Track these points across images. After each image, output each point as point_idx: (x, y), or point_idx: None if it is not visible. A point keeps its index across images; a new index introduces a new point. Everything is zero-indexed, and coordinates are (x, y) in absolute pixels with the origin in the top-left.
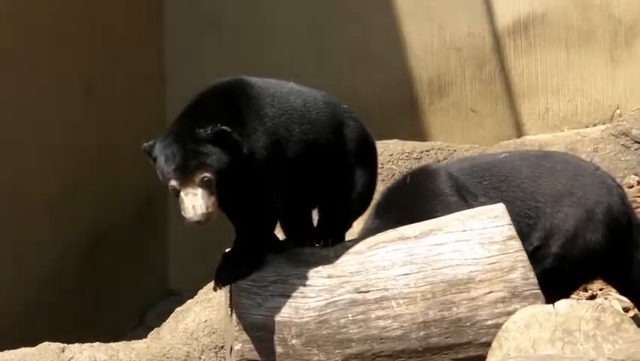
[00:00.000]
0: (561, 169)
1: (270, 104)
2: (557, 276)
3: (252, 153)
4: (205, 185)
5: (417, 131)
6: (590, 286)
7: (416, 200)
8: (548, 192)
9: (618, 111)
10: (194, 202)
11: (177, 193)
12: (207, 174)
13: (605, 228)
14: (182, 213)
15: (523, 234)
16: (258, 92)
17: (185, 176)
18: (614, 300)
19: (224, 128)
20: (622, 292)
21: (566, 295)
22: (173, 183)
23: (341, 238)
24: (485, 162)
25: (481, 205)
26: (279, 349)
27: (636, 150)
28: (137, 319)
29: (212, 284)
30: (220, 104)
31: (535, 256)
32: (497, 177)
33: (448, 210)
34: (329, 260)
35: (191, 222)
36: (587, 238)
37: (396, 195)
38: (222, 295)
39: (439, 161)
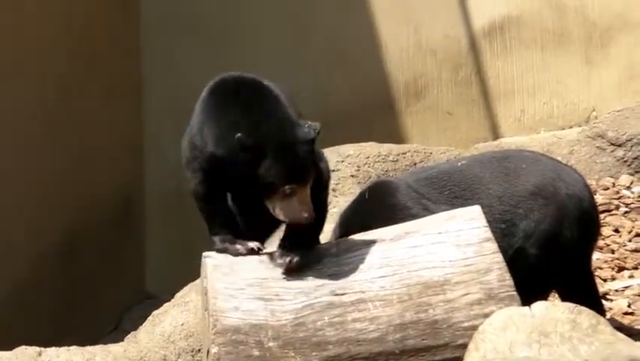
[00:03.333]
0: (526, 168)
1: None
2: (538, 276)
3: None
4: (309, 184)
5: (393, 134)
6: None
7: (378, 215)
8: (518, 193)
9: (594, 113)
10: (307, 201)
11: (291, 196)
12: (313, 175)
13: (579, 223)
14: (290, 213)
15: (499, 239)
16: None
17: (304, 179)
18: None
19: (318, 127)
20: (571, 293)
21: (546, 296)
22: (292, 185)
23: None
24: (444, 171)
25: None
26: (255, 352)
27: (612, 152)
28: (113, 322)
29: (188, 287)
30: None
31: (516, 258)
32: (459, 185)
33: None
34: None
35: (305, 220)
36: (564, 235)
37: (357, 211)
38: (199, 298)
39: (415, 164)
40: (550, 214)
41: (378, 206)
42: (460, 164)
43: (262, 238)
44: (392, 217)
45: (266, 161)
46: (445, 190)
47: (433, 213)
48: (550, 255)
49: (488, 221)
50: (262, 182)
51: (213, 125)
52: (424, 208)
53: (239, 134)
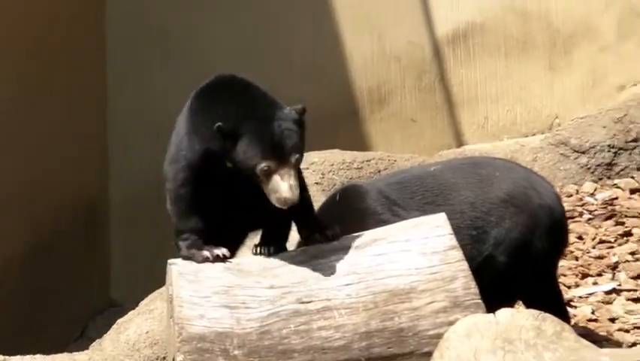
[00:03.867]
0: (499, 175)
1: None
2: (506, 284)
3: None
4: (296, 165)
5: (357, 141)
6: None
7: (348, 219)
8: (490, 200)
9: (557, 120)
10: (290, 182)
11: (270, 174)
12: (299, 156)
13: (549, 233)
14: (275, 194)
15: (469, 246)
16: None
17: (282, 157)
18: None
19: (305, 107)
20: (536, 300)
21: (512, 304)
22: (269, 163)
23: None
24: (416, 176)
25: None
26: (221, 360)
27: (575, 159)
28: (78, 330)
29: (153, 295)
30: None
31: (485, 265)
32: (432, 191)
33: None
34: (271, 270)
35: (288, 202)
36: (534, 245)
37: (327, 215)
38: (164, 306)
39: (379, 171)
40: (522, 223)
41: (348, 211)
42: (432, 169)
43: (233, 248)
44: (362, 222)
45: (242, 143)
46: (418, 195)
47: (404, 219)
48: (520, 263)
49: (459, 227)
50: (243, 168)
51: (200, 124)
52: (394, 214)
53: (218, 123)
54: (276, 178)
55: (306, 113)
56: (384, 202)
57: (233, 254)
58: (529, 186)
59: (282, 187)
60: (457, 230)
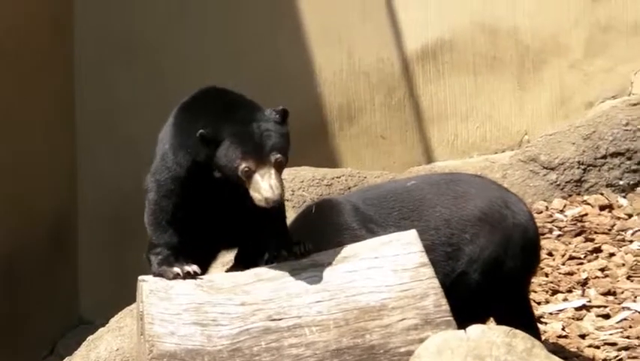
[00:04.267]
0: (475, 193)
1: None
2: (479, 302)
3: None
4: (278, 166)
5: (327, 158)
6: None
7: (323, 234)
8: (465, 217)
9: (526, 137)
10: (271, 182)
11: (250, 175)
12: (280, 155)
13: (523, 252)
14: (256, 193)
15: (444, 262)
16: None
17: (262, 157)
18: None
19: (286, 108)
20: (507, 316)
21: (484, 321)
22: (249, 164)
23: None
24: (392, 191)
25: None
26: None
27: (544, 175)
28: (48, 347)
29: (123, 312)
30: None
31: (458, 282)
32: (407, 206)
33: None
34: (242, 287)
35: (269, 202)
36: (507, 263)
37: (303, 227)
38: (134, 323)
39: (349, 188)
40: (496, 241)
41: (324, 225)
42: (408, 184)
43: (206, 264)
44: (337, 238)
45: (223, 147)
46: (394, 211)
47: (378, 235)
48: (492, 281)
49: (434, 243)
50: (227, 172)
51: (184, 136)
52: (369, 231)
53: (200, 131)
54: (257, 178)
55: (287, 115)
56: (360, 218)
57: (205, 271)
58: (503, 205)
59: (262, 186)
60: (432, 246)
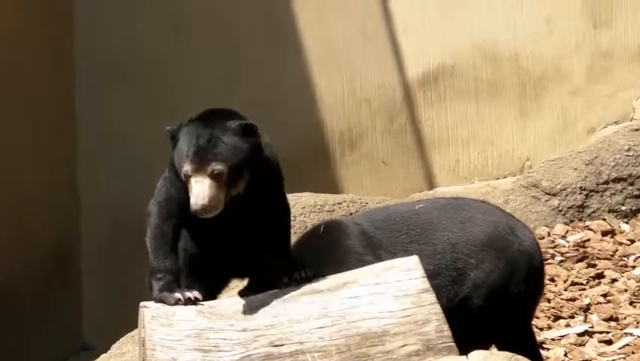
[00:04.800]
0: (482, 218)
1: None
2: (481, 327)
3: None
4: (215, 177)
5: (329, 184)
6: None
7: (330, 257)
8: (472, 242)
9: (528, 163)
10: (200, 191)
11: (188, 179)
12: (220, 167)
13: (527, 279)
14: (191, 199)
15: (448, 286)
16: None
17: (201, 163)
18: None
19: (254, 123)
20: (509, 342)
21: (487, 346)
22: (187, 167)
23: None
24: (401, 213)
25: None
26: None
27: (546, 201)
28: None
29: (125, 338)
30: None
31: (462, 307)
32: (415, 230)
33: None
34: (244, 313)
35: (194, 210)
36: (512, 290)
37: (309, 248)
38: (136, 349)
39: (350, 214)
40: (501, 268)
41: (330, 249)
42: (417, 207)
43: (214, 292)
44: (343, 262)
45: (177, 145)
46: (402, 234)
47: (384, 260)
48: (496, 307)
49: (440, 267)
50: (179, 172)
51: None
52: (376, 256)
53: (167, 127)
54: (192, 183)
55: (256, 132)
56: (367, 242)
57: (214, 297)
58: (510, 231)
59: (193, 193)
60: (437, 270)
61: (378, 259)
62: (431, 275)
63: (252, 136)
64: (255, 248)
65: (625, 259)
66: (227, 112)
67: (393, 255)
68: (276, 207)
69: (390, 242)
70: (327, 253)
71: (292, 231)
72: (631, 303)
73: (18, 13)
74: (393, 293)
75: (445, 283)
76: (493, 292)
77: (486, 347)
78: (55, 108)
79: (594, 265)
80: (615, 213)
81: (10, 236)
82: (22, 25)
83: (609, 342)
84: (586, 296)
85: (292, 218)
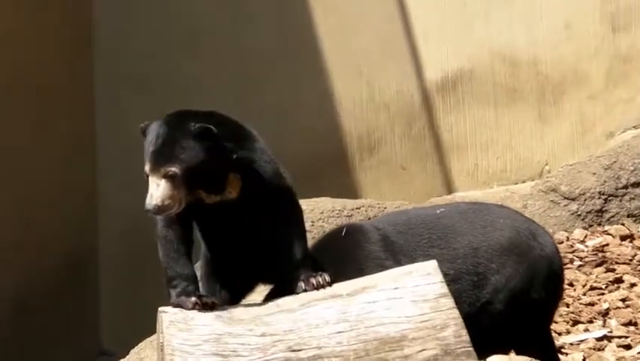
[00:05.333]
0: (503, 223)
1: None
2: (501, 332)
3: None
4: (169, 178)
5: (347, 189)
6: None
7: (350, 261)
8: (493, 247)
9: (547, 167)
10: (154, 191)
11: (146, 178)
12: (174, 169)
13: (548, 284)
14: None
15: (469, 291)
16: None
17: (156, 164)
18: None
19: (211, 127)
20: (528, 346)
21: (506, 351)
22: (145, 167)
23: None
24: (422, 217)
25: None
26: None
27: (565, 205)
28: None
29: (144, 343)
30: (224, 117)
31: (482, 311)
32: (436, 234)
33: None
34: (262, 318)
35: (145, 210)
36: (532, 295)
37: (329, 251)
38: (155, 354)
39: (369, 219)
40: (522, 272)
41: (350, 252)
42: (438, 211)
43: (237, 297)
44: (362, 266)
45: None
46: (424, 239)
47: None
48: (516, 312)
49: (461, 272)
50: None
51: None
52: (396, 261)
53: (141, 125)
54: (149, 182)
55: (212, 133)
56: (388, 247)
57: (237, 302)
58: (531, 236)
59: (148, 193)
60: (458, 275)
61: (399, 264)
62: (452, 280)
63: (209, 139)
64: (270, 253)
65: None
66: (200, 114)
67: (413, 260)
68: (281, 212)
69: (411, 246)
70: (348, 257)
71: (310, 236)
72: None
73: (37, 25)
74: (411, 298)
75: (466, 287)
76: (513, 297)
77: (505, 352)
78: (74, 117)
79: (613, 270)
80: (634, 218)
81: (29, 244)
82: (42, 36)
83: (628, 347)
84: (605, 301)
85: (310, 223)
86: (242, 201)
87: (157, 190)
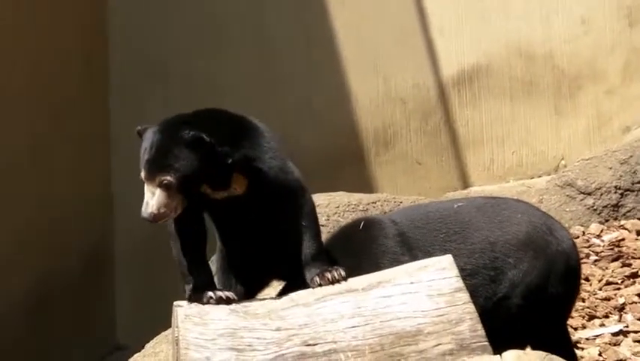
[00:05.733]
0: (520, 218)
1: (272, 132)
2: (518, 326)
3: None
4: (164, 187)
5: (363, 183)
6: None
7: (366, 256)
8: (510, 242)
9: (563, 162)
10: (149, 200)
11: (143, 184)
12: (169, 178)
13: (565, 279)
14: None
15: (486, 285)
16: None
17: (150, 172)
18: None
19: (203, 136)
20: (544, 341)
21: (522, 346)
22: (141, 174)
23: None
24: (439, 212)
25: None
26: None
27: (581, 200)
28: None
29: (159, 338)
30: (221, 117)
31: (499, 306)
32: (453, 228)
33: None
34: (277, 312)
35: (142, 218)
36: (549, 290)
37: (345, 244)
38: (170, 348)
39: (384, 213)
40: (539, 267)
41: (366, 246)
42: (455, 206)
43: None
44: (378, 261)
45: None
46: (441, 233)
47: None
48: (533, 307)
49: (478, 266)
50: None
51: None
52: (412, 256)
53: (138, 127)
54: (145, 190)
55: (206, 143)
56: (404, 242)
57: (251, 296)
58: (548, 231)
59: (144, 200)
60: (475, 269)
61: (415, 258)
62: (469, 274)
63: (202, 148)
64: (282, 247)
65: None
66: (196, 119)
67: (430, 255)
68: (290, 207)
69: (428, 241)
70: (364, 251)
71: (326, 230)
72: None
73: (52, 23)
74: (427, 292)
75: (483, 282)
76: (530, 292)
77: (520, 347)
78: (90, 116)
79: (629, 265)
80: None
81: (47, 241)
82: (56, 35)
83: None
84: (621, 296)
85: (326, 217)
86: (249, 197)
87: (152, 199)
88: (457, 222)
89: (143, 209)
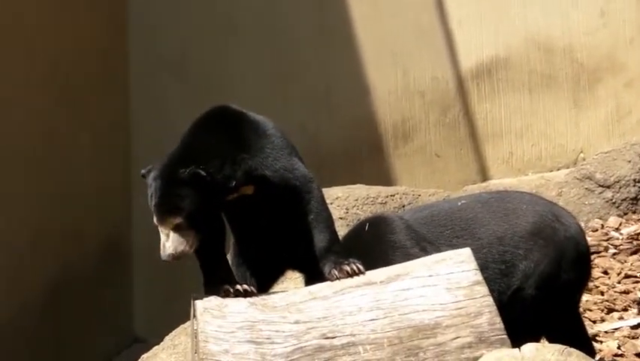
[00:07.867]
0: (525, 208)
1: (274, 127)
2: (535, 317)
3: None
4: (176, 228)
5: (382, 176)
6: None
7: (376, 252)
8: (518, 234)
9: (582, 155)
10: (165, 242)
11: (157, 227)
12: (179, 219)
13: (576, 265)
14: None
15: (498, 280)
16: (255, 117)
17: (160, 217)
18: None
19: (199, 171)
20: (561, 334)
21: (539, 338)
22: (154, 219)
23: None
24: (444, 210)
25: None
26: None
27: (600, 193)
28: None
29: (178, 330)
30: (217, 132)
31: (514, 298)
32: (459, 225)
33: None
34: (296, 305)
35: (163, 260)
36: (562, 277)
37: (355, 243)
38: (188, 341)
39: (403, 206)
40: (550, 255)
41: (376, 243)
42: (460, 203)
43: (268, 283)
44: (389, 256)
45: None
46: (447, 230)
47: (430, 254)
48: (548, 296)
49: (487, 261)
50: None
51: None
52: (422, 249)
53: (142, 171)
54: (160, 232)
55: (203, 177)
56: (413, 236)
57: (268, 288)
58: (555, 219)
59: (161, 242)
60: (485, 265)
61: (424, 251)
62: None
63: (201, 181)
64: (295, 241)
65: None
66: (186, 154)
67: (439, 250)
68: (300, 203)
69: (435, 238)
70: (374, 249)
71: (345, 223)
72: None
73: (73, 18)
74: (445, 285)
75: (494, 276)
76: (544, 281)
77: (537, 340)
78: (110, 110)
79: None
80: None
81: (65, 233)
82: (77, 29)
83: None
84: (639, 289)
85: (345, 210)
86: (259, 196)
87: (168, 241)
88: (463, 219)
89: (161, 252)
